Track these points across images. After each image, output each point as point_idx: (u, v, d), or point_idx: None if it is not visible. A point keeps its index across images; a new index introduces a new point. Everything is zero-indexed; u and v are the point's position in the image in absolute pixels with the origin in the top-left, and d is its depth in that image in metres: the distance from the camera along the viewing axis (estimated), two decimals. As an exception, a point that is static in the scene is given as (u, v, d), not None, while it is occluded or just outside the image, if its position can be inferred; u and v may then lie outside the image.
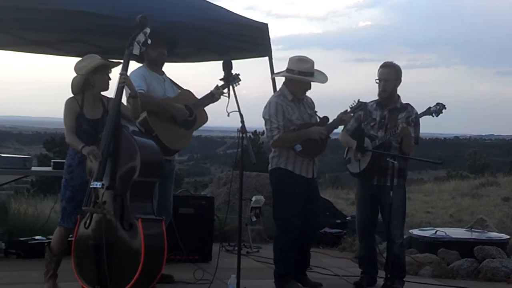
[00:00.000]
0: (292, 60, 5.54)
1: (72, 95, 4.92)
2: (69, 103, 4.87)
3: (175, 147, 5.49)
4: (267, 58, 7.19)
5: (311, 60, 5.54)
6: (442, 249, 6.74)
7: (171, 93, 5.59)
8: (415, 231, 7.33)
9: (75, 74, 4.90)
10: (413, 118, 5.64)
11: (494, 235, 7.16)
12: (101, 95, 4.97)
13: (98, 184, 4.53)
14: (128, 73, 4.86)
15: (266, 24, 7.19)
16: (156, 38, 5.13)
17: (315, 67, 5.56)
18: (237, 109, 4.95)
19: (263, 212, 7.70)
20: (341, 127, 5.83)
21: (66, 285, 4.99)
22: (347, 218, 8.45)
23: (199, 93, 5.72)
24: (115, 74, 4.88)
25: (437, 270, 6.46)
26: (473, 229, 7.41)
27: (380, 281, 5.74)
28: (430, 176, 34.38)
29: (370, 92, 5.86)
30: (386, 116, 5.78)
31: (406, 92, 6.12)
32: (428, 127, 7.05)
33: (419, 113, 5.67)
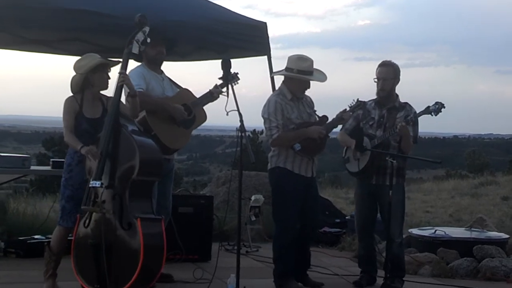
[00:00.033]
0: (292, 59, 5.54)
1: (71, 94, 4.91)
2: (68, 102, 4.87)
3: (174, 146, 5.48)
4: (266, 57, 7.19)
5: (310, 59, 5.54)
6: (442, 249, 6.74)
7: (170, 92, 5.58)
8: (415, 231, 7.33)
9: (74, 73, 4.89)
10: (412, 117, 5.64)
11: (494, 234, 7.16)
12: (101, 94, 4.97)
13: (97, 183, 4.53)
14: (127, 72, 4.86)
15: (265, 23, 7.19)
16: (155, 37, 5.13)
17: (314, 66, 5.56)
18: (236, 108, 4.95)
19: (262, 211, 7.69)
20: (340, 126, 5.83)
21: (65, 284, 4.99)
22: (347, 218, 8.45)
23: (198, 92, 5.73)
24: (114, 73, 4.89)
25: (436, 270, 6.46)
26: (472, 229, 7.41)
27: (380, 281, 5.74)
28: (429, 176, 34.38)
29: (369, 91, 5.86)
30: (385, 115, 5.78)
31: (405, 91, 6.12)
32: (428, 126, 7.05)
33: (418, 112, 5.67)
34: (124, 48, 4.82)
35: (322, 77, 5.63)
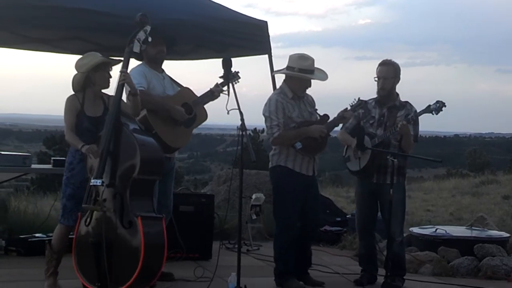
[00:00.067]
0: (293, 58, 5.54)
1: (73, 92, 4.92)
2: (70, 100, 4.88)
3: (175, 145, 5.49)
4: (266, 56, 7.19)
5: (312, 57, 5.54)
6: (442, 247, 6.73)
7: (170, 90, 5.58)
8: (415, 229, 7.33)
9: (75, 72, 4.90)
10: (412, 116, 5.64)
11: (494, 233, 7.16)
12: (102, 92, 4.98)
13: (98, 182, 4.53)
14: (128, 71, 4.87)
15: (266, 22, 7.19)
16: (156, 35, 5.13)
17: (315, 65, 5.56)
18: (236, 107, 4.95)
19: (263, 210, 7.70)
20: (341, 125, 5.83)
21: (66, 283, 4.99)
22: (347, 216, 8.44)
23: (199, 91, 5.73)
24: (115, 72, 4.89)
25: (437, 268, 6.46)
26: (473, 227, 7.41)
27: (380, 279, 5.74)
28: (430, 174, 34.39)
29: (370, 90, 5.88)
30: (385, 114, 5.78)
31: (406, 90, 6.13)
32: (428, 125, 7.06)
33: (418, 111, 5.67)
34: (125, 47, 4.82)
35: (323, 76, 5.63)
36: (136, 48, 4.80)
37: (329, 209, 8.72)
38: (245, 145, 4.89)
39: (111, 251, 4.48)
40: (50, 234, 5.29)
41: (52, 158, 7.39)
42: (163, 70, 5.68)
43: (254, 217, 7.62)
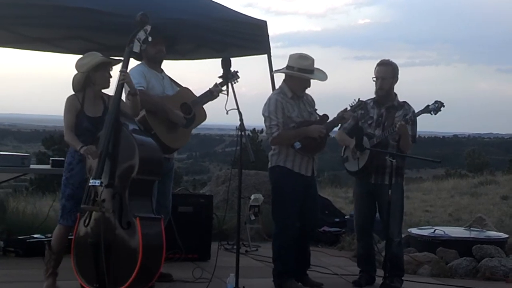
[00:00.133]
0: (293, 57, 5.54)
1: (73, 92, 4.91)
2: (70, 100, 4.87)
3: (174, 145, 5.48)
4: (266, 55, 7.19)
5: (312, 57, 5.54)
6: (441, 248, 6.74)
7: (170, 90, 5.58)
8: (414, 230, 7.33)
9: (75, 72, 4.90)
10: (411, 116, 5.64)
11: (493, 234, 7.16)
12: (102, 92, 4.97)
13: (97, 182, 4.53)
14: (128, 71, 4.86)
15: (265, 22, 7.19)
16: (156, 35, 5.12)
17: (315, 65, 5.56)
18: (236, 107, 4.95)
19: (262, 210, 7.69)
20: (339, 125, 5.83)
21: (65, 284, 4.98)
22: (346, 217, 8.44)
23: (198, 91, 5.72)
24: (115, 71, 4.89)
25: (435, 269, 6.45)
26: (471, 228, 7.40)
27: (379, 280, 5.74)
28: (428, 175, 34.38)
29: (369, 90, 5.88)
30: (383, 114, 5.78)
31: (405, 90, 6.14)
32: (427, 125, 7.06)
33: (417, 111, 5.67)
34: (125, 47, 4.82)
35: (322, 76, 5.63)
36: (136, 48, 4.79)
37: (328, 210, 8.71)
38: (244, 145, 4.88)
39: (110, 252, 4.47)
40: (49, 235, 5.28)
41: (51, 158, 7.39)
42: (162, 70, 5.67)
43: (252, 217, 7.61)
